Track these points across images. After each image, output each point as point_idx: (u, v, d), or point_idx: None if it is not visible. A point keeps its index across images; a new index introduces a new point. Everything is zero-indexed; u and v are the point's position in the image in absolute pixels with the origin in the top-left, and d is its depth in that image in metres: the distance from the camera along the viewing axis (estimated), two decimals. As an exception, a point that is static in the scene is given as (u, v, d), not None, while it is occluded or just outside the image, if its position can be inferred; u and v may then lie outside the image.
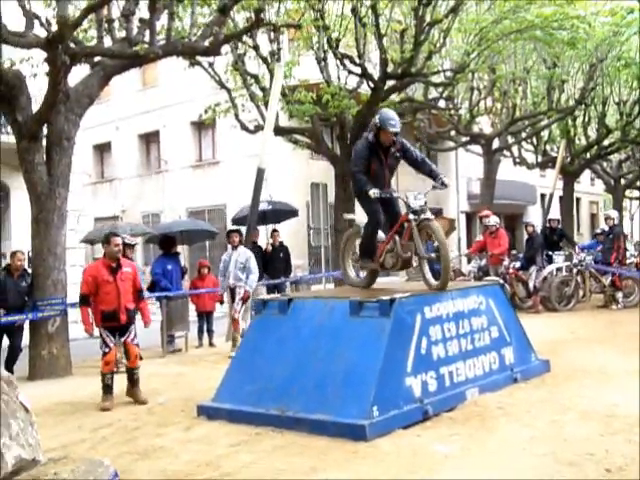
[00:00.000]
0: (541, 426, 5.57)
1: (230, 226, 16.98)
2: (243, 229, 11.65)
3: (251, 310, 12.62)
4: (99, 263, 7.49)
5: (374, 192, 6.65)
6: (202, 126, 24.49)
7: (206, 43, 9.12)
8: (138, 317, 7.68)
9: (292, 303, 6.61)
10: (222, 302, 11.17)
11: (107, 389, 7.21)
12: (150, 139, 27.43)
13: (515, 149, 23.85)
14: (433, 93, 17.65)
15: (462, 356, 6.53)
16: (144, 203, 26.40)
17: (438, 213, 28.05)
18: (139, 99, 26.51)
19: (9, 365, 8.90)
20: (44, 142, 8.99)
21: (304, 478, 4.62)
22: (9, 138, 15.12)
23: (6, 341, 9.06)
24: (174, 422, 6.33)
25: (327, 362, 5.96)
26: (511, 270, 13.39)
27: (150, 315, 7.94)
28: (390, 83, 13.91)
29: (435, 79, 15.68)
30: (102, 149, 28.87)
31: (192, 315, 11.82)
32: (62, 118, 8.82)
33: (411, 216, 6.66)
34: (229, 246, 10.57)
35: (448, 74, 15.67)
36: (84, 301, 7.32)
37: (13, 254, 9.01)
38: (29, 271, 9.11)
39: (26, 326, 9.12)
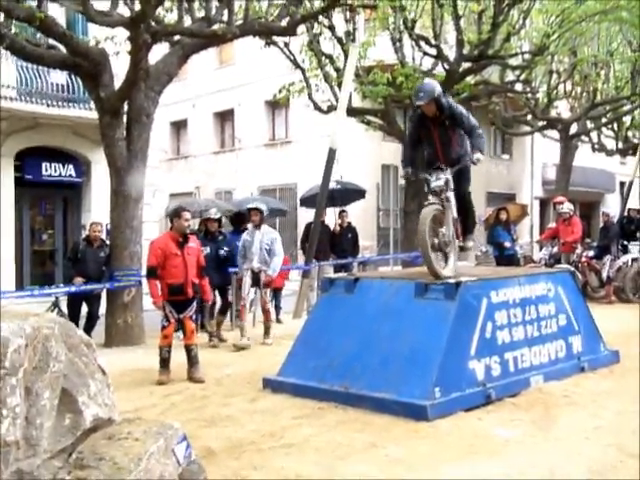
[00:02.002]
0: (607, 416, 5.51)
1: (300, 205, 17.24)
2: (312, 209, 11.74)
3: (317, 290, 12.82)
4: (167, 236, 7.54)
5: (402, 174, 6.89)
6: (276, 105, 24.72)
7: (283, 23, 9.22)
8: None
9: (358, 283, 6.69)
10: (240, 287, 9.55)
11: (163, 362, 7.23)
12: (225, 117, 27.87)
13: (594, 135, 23.12)
14: (510, 76, 17.28)
15: (527, 342, 6.50)
16: (217, 180, 26.89)
17: (511, 199, 27.58)
18: (215, 77, 26.92)
19: (87, 332, 9.29)
20: (124, 118, 9.29)
21: (365, 453, 4.73)
22: (90, 114, 15.74)
23: (85, 309, 9.46)
24: (240, 393, 6.54)
25: (391, 342, 6.02)
26: (584, 259, 13.09)
27: (210, 292, 8.12)
28: (466, 65, 13.71)
29: (513, 62, 15.35)
30: (179, 126, 29.51)
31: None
32: (142, 95, 9.10)
33: (430, 198, 6.59)
34: (249, 225, 9.58)
35: (526, 57, 15.31)
36: (152, 273, 7.31)
37: (91, 225, 9.39)
38: (107, 242, 9.49)
39: (103, 295, 9.52)
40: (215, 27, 9.07)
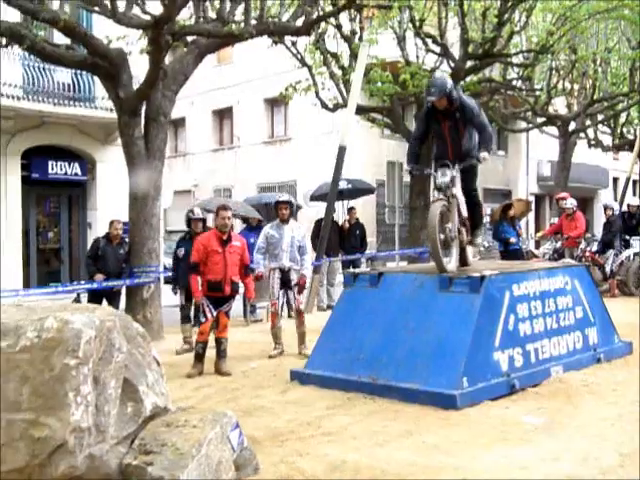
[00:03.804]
0: (628, 405, 5.70)
1: (301, 202, 17.38)
2: (323, 206, 11.89)
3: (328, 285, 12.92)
4: (211, 233, 7.68)
5: (406, 168, 7.18)
6: (275, 103, 24.92)
7: (298, 23, 9.37)
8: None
9: (382, 277, 6.87)
10: (258, 279, 8.48)
11: (198, 357, 7.43)
12: (224, 115, 27.97)
13: (591, 131, 23.42)
14: (511, 74, 17.52)
15: (547, 334, 6.70)
16: (216, 178, 27.00)
17: (506, 195, 27.86)
18: (214, 75, 27.00)
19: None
20: (142, 118, 9.43)
21: (402, 440, 4.92)
22: (96, 112, 15.87)
23: (105, 305, 9.59)
24: (269, 385, 6.72)
25: (417, 334, 6.21)
26: (587, 253, 13.34)
27: (253, 290, 8.24)
28: (470, 63, 13.92)
29: (515, 59, 15.58)
30: (177, 124, 29.54)
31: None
32: (159, 95, 9.25)
33: (435, 194, 6.79)
34: (275, 221, 8.65)
35: (528, 54, 15.54)
36: (194, 269, 7.47)
37: (111, 223, 9.52)
38: (126, 239, 9.63)
39: (123, 291, 9.66)
40: (231, 27, 9.21)
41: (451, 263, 6.71)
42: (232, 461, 4.09)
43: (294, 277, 8.42)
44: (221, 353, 7.55)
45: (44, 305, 4.22)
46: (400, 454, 4.60)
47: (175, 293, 9.50)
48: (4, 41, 8.83)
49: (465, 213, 7.09)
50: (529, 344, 6.46)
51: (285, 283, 8.43)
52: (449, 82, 6.71)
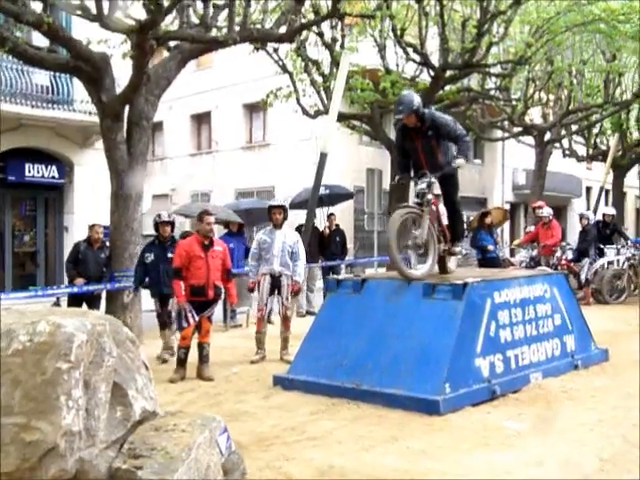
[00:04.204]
0: (606, 410, 5.81)
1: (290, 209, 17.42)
2: (302, 213, 11.93)
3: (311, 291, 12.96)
4: (193, 239, 7.70)
5: (396, 178, 7.46)
6: (253, 108, 24.95)
7: (281, 30, 9.43)
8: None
9: (366, 283, 6.94)
10: (252, 290, 8.59)
11: (180, 362, 7.46)
12: (202, 119, 27.92)
13: (565, 141, 23.79)
14: (489, 83, 17.76)
15: (527, 341, 6.81)
16: (194, 182, 26.92)
17: (482, 203, 28.16)
18: (193, 80, 26.90)
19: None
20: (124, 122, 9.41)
21: (387, 445, 4.98)
22: (74, 115, 15.79)
23: (85, 309, 9.54)
24: (252, 390, 6.74)
25: (401, 340, 6.28)
26: (563, 261, 13.55)
27: (235, 295, 8.27)
28: (449, 72, 14.08)
29: (493, 70, 15.80)
30: (154, 128, 29.11)
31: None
32: (142, 99, 9.24)
33: (414, 199, 6.91)
34: (268, 226, 8.77)
35: (506, 65, 15.77)
36: (177, 274, 7.50)
37: (92, 227, 9.47)
38: (107, 243, 9.59)
39: (103, 296, 9.61)
40: (214, 33, 9.24)
41: (422, 269, 6.82)
42: (220, 465, 4.11)
43: (285, 282, 8.39)
44: (203, 358, 7.57)
45: (34, 309, 4.21)
46: (386, 459, 4.66)
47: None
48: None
49: (445, 222, 7.24)
50: (509, 350, 6.57)
51: (274, 288, 8.42)
52: (416, 100, 6.74)
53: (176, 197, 27.18)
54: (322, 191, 13.93)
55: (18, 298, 8.74)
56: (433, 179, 6.81)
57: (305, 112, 15.30)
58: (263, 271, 8.45)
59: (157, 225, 8.91)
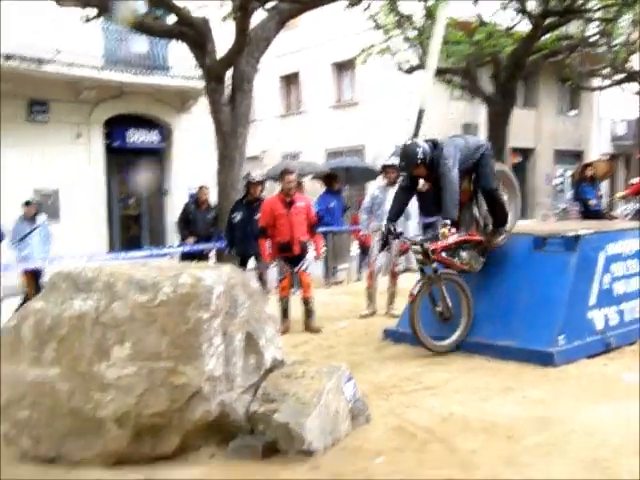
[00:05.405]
0: None
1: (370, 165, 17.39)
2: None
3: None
4: (276, 197, 7.89)
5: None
6: (342, 67, 24.84)
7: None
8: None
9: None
10: (363, 243, 8.74)
11: (283, 312, 7.72)
12: (291, 80, 28.03)
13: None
14: (589, 29, 16.98)
15: (641, 293, 6.67)
16: (284, 144, 27.19)
17: (578, 156, 27.21)
18: (280, 41, 26.92)
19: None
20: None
21: (504, 395, 5.04)
22: (171, 81, 16.22)
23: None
24: (363, 343, 6.90)
25: (513, 293, 6.28)
26: (671, 213, 13.02)
27: (321, 248, 8.45)
28: (549, 20, 13.58)
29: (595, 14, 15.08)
30: (244, 91, 29.79)
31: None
32: (244, 61, 9.42)
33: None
34: (381, 183, 8.88)
35: (609, 8, 15.02)
36: (262, 233, 7.79)
37: (200, 188, 9.81)
38: (213, 205, 9.93)
39: (212, 254, 9.98)
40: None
41: (452, 337, 6.31)
42: (347, 410, 4.30)
43: (396, 241, 8.07)
44: (309, 311, 7.80)
45: (169, 264, 4.48)
46: (504, 408, 4.72)
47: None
48: (95, 12, 9.12)
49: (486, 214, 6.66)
50: (624, 303, 6.46)
51: (385, 244, 8.33)
52: (419, 152, 6.07)
53: (266, 159, 27.55)
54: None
55: (135, 258, 9.20)
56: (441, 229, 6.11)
57: (400, 68, 15.14)
58: (374, 227, 8.49)
59: (248, 185, 8.93)
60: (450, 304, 6.30)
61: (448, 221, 6.04)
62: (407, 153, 6.16)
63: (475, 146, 6.47)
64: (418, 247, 6.29)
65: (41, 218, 10.30)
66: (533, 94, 25.41)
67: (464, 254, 6.40)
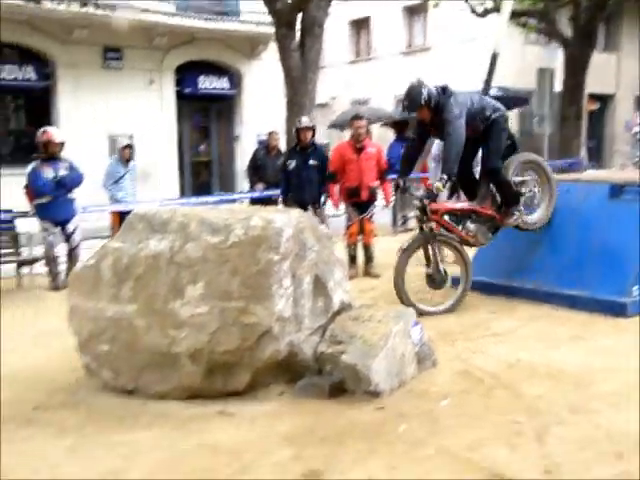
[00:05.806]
0: None
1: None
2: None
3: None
4: (346, 143, 7.98)
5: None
6: (413, 11, 24.25)
7: None
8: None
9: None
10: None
11: (352, 259, 7.85)
12: (361, 25, 27.56)
13: None
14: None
15: None
16: (353, 90, 26.90)
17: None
18: (350, -15, 26.52)
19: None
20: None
21: (572, 343, 4.99)
22: (242, 26, 16.18)
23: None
24: (428, 290, 6.89)
25: (584, 242, 6.15)
26: None
27: (391, 195, 8.41)
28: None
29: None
30: (313, 36, 29.48)
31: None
32: (314, 6, 9.32)
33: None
34: None
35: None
36: (331, 178, 7.93)
37: (270, 133, 9.85)
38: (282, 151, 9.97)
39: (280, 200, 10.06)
40: None
41: (447, 304, 6.19)
42: (414, 354, 4.35)
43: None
44: (370, 257, 7.94)
45: (240, 208, 4.57)
46: (574, 356, 4.69)
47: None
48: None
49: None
50: (702, 255, 6.23)
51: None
52: (424, 92, 5.80)
53: (335, 106, 27.33)
54: (494, 93, 13.49)
55: (210, 203, 9.38)
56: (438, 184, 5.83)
57: (473, 11, 14.68)
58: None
59: (298, 131, 8.42)
60: (442, 268, 6.12)
61: (445, 175, 5.73)
62: (411, 93, 5.89)
63: (491, 107, 6.12)
64: (418, 202, 6.02)
65: (132, 162, 10.54)
66: (614, 37, 24.27)
67: (471, 225, 6.15)
